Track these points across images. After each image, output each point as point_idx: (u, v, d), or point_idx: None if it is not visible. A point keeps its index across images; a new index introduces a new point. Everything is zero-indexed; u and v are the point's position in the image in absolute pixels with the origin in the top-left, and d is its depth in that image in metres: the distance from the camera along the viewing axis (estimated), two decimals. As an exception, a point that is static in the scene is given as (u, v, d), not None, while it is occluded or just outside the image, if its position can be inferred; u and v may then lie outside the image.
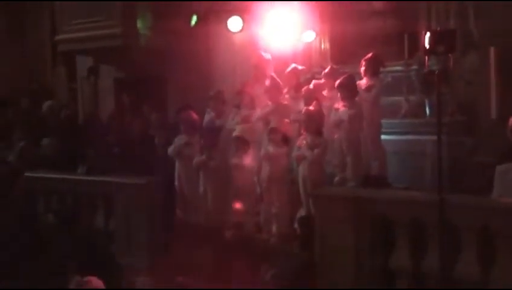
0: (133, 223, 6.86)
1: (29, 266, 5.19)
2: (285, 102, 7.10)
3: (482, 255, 4.81)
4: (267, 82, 7.11)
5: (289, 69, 7.31)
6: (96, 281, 4.14)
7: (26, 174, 7.07)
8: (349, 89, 6.34)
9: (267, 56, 7.40)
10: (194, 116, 7.36)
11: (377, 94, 6.60)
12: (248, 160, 6.78)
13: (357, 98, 6.41)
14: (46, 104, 9.33)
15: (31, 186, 7.26)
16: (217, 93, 7.54)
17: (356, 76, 6.69)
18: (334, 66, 7.19)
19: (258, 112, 7.00)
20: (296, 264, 5.75)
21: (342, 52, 7.98)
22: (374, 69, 6.64)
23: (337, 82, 6.41)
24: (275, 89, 7.04)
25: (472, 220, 4.81)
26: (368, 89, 6.55)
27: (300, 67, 7.43)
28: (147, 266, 6.53)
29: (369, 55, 6.68)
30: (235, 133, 6.84)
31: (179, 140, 7.20)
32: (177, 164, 7.23)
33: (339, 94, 6.42)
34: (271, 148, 6.55)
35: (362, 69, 6.68)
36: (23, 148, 8.44)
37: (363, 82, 6.63)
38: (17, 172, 6.67)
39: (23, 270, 5.16)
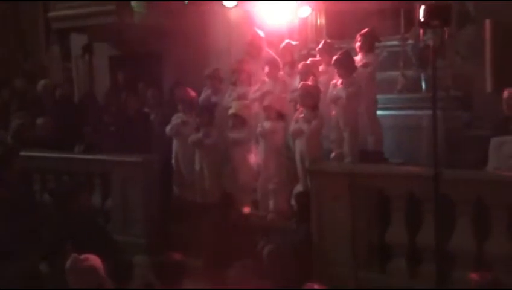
0: (130, 201, 6.87)
1: (26, 245, 5.21)
2: (282, 78, 7.07)
3: (477, 228, 4.84)
4: (264, 58, 7.07)
5: (283, 45, 7.27)
6: (93, 259, 4.15)
7: (23, 153, 7.07)
8: (346, 65, 6.32)
9: (261, 33, 7.35)
10: (192, 93, 7.33)
11: (373, 70, 6.59)
12: (244, 137, 6.77)
13: (354, 74, 6.39)
14: (41, 84, 9.27)
15: (28, 166, 7.26)
16: (213, 71, 7.50)
17: (352, 51, 6.66)
18: (328, 41, 7.15)
19: (257, 93, 6.96)
20: (293, 240, 5.78)
21: (338, 27, 7.92)
22: (369, 45, 6.62)
23: (334, 58, 6.38)
24: (272, 65, 7.01)
25: (467, 194, 4.84)
26: (364, 65, 6.52)
27: (294, 43, 7.38)
28: (144, 244, 6.57)
29: (364, 30, 6.64)
30: (231, 111, 6.82)
31: (176, 119, 7.19)
32: (174, 142, 7.23)
33: (336, 70, 6.40)
34: (267, 125, 6.55)
35: (357, 44, 6.66)
36: (18, 128, 8.41)
37: (358, 58, 6.61)
38: (13, 152, 6.66)
39: (21, 250, 5.19)
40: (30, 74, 10.32)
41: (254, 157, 6.78)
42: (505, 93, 5.65)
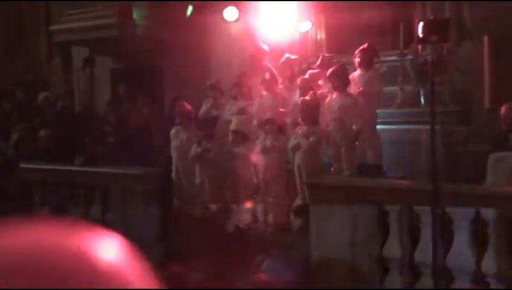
0: (129, 213, 6.88)
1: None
2: (281, 92, 7.11)
3: (475, 243, 4.85)
4: (266, 73, 7.11)
5: (283, 59, 7.32)
6: None
7: (23, 165, 7.09)
8: (340, 79, 6.35)
9: (264, 46, 7.40)
10: (187, 107, 7.38)
11: (379, 91, 6.59)
12: (245, 151, 6.80)
13: (352, 90, 6.43)
14: (42, 96, 9.33)
15: (27, 178, 7.28)
16: (215, 82, 7.55)
17: (352, 66, 6.71)
18: (326, 55, 7.20)
19: (256, 107, 6.99)
20: (291, 254, 5.79)
21: (338, 42, 7.97)
22: (368, 61, 6.64)
23: (329, 71, 6.42)
24: (270, 79, 7.05)
25: (465, 209, 4.85)
26: (367, 84, 6.52)
27: (293, 57, 7.43)
28: (144, 256, 6.56)
29: (364, 46, 6.68)
30: (232, 127, 6.85)
31: (175, 133, 7.23)
32: (174, 155, 7.25)
33: (331, 83, 6.44)
34: (267, 141, 6.57)
35: (357, 60, 6.69)
36: (19, 140, 8.45)
37: (356, 73, 6.64)
38: (13, 164, 6.69)
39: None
40: (31, 85, 10.37)
41: (254, 171, 6.81)
42: (503, 109, 5.68)
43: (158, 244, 6.69)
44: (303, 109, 6.39)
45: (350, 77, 6.58)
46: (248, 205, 6.82)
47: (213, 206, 6.74)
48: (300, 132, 6.39)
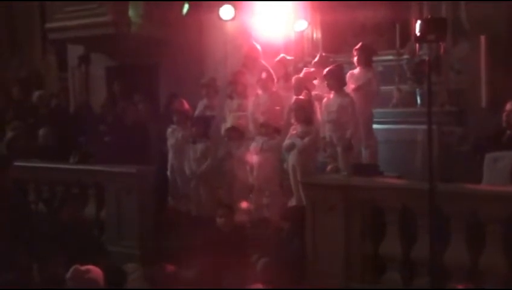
0: (124, 212, 6.85)
1: (20, 254, 5.18)
2: (277, 91, 7.10)
3: (471, 242, 4.84)
4: (259, 71, 7.09)
5: (277, 59, 7.30)
6: (95, 270, 4.11)
7: (18, 163, 7.03)
8: (336, 78, 6.33)
9: (258, 45, 7.39)
10: (186, 105, 7.36)
11: (377, 88, 6.56)
12: (240, 150, 6.79)
13: (349, 89, 6.41)
14: (36, 94, 9.28)
15: (23, 176, 7.23)
16: (209, 80, 7.54)
17: (349, 65, 6.70)
18: (324, 54, 7.18)
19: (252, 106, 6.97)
20: (287, 253, 5.77)
21: (334, 41, 7.98)
22: (365, 59, 6.63)
23: (326, 70, 6.40)
24: (266, 78, 7.03)
25: (462, 208, 4.85)
26: (366, 83, 6.50)
27: (288, 57, 7.42)
28: (138, 255, 6.54)
29: (359, 45, 6.67)
30: (228, 124, 6.84)
31: (171, 131, 7.21)
32: (170, 153, 7.23)
33: (326, 83, 6.42)
34: (264, 143, 6.56)
35: (355, 59, 6.67)
36: (12, 138, 8.40)
37: (356, 71, 6.62)
38: (6, 162, 6.62)
39: (14, 259, 5.15)
40: (26, 83, 10.31)
41: (249, 170, 6.79)
42: (508, 106, 5.63)
43: (152, 243, 6.66)
44: (296, 108, 6.38)
45: (349, 73, 6.58)
46: (243, 204, 6.79)
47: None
48: (294, 132, 6.38)
